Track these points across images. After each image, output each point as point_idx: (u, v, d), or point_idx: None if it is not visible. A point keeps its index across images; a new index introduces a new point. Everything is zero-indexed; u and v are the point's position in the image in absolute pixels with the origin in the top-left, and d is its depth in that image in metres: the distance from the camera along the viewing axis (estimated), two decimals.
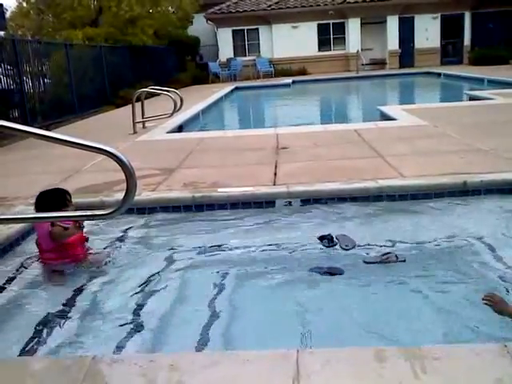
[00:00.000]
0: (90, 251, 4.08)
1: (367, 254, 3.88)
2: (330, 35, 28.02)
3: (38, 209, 3.84)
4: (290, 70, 26.82)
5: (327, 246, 4.09)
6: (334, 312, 3.13)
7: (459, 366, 2.10)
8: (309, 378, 2.07)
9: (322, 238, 4.17)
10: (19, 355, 2.77)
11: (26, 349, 2.84)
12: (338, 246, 4.07)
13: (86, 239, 4.11)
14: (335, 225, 4.55)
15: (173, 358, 2.34)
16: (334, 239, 4.15)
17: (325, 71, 26.38)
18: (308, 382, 2.05)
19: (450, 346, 2.32)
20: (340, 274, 3.63)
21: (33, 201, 5.25)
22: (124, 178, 2.85)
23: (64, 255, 3.86)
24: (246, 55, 28.21)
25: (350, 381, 2.06)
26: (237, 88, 22.11)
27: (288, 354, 2.23)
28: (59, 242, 3.83)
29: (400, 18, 27.25)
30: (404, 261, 3.63)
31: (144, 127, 10.79)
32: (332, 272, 3.65)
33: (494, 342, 2.32)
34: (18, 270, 3.93)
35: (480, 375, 2.04)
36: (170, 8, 26.09)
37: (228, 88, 21.11)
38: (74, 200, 5.23)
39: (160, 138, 9.62)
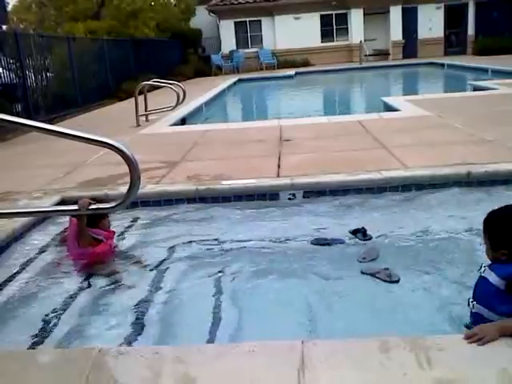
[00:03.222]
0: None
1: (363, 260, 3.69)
2: (332, 26, 27.88)
3: None
4: (293, 62, 26.73)
5: (361, 240, 4.00)
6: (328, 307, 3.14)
7: (464, 356, 2.10)
8: (314, 368, 2.08)
9: (355, 232, 4.09)
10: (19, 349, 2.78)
11: (30, 343, 2.85)
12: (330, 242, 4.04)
13: (115, 246, 4.11)
14: (339, 217, 4.55)
15: (178, 350, 2.36)
16: (367, 233, 4.05)
17: (328, 62, 26.27)
18: (313, 373, 2.05)
19: (455, 337, 2.31)
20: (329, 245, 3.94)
21: (36, 195, 5.32)
22: (128, 171, 2.86)
23: (87, 260, 3.87)
24: (248, 47, 28.12)
25: (355, 371, 2.07)
26: (239, 80, 22.06)
27: (293, 345, 2.24)
28: (86, 248, 3.84)
29: (403, 8, 27.08)
30: (397, 281, 3.32)
31: (147, 120, 10.78)
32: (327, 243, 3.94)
33: None
34: (23, 264, 3.94)
35: (485, 365, 2.04)
36: (171, 0, 26.03)
37: (231, 80, 21.07)
38: (78, 193, 5.27)
39: (163, 130, 9.62)
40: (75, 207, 3.25)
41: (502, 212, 2.41)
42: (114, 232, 4.15)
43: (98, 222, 3.97)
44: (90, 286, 3.55)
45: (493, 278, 2.31)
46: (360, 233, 4.07)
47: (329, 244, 3.97)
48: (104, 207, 3.34)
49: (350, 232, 4.13)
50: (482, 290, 2.39)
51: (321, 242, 4.00)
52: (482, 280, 2.39)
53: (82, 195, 5.18)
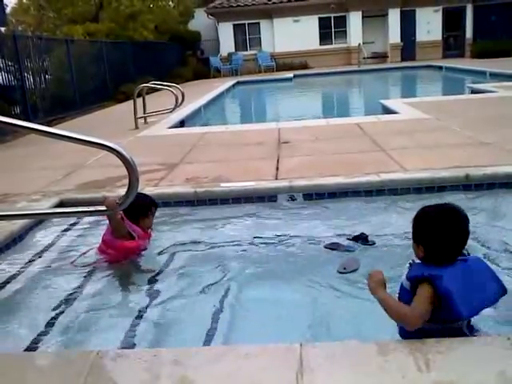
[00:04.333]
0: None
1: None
2: (331, 29, 27.96)
3: None
4: (292, 64, 26.78)
5: (364, 245, 3.89)
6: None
7: (462, 359, 2.10)
8: (312, 371, 2.07)
9: (355, 239, 3.97)
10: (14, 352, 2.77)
11: (26, 348, 2.84)
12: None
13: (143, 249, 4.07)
14: (337, 220, 4.54)
15: (176, 352, 2.35)
16: (369, 238, 3.95)
17: (326, 65, 26.35)
18: (312, 376, 2.05)
19: (453, 340, 2.31)
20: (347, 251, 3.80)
21: (35, 197, 5.31)
22: (126, 173, 2.87)
23: (116, 254, 3.86)
24: (247, 50, 28.17)
25: (354, 374, 2.06)
26: (238, 83, 22.09)
27: (291, 348, 2.24)
28: (118, 239, 3.83)
29: (401, 11, 27.18)
30: None
31: (146, 122, 10.79)
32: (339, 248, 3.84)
33: (497, 335, 2.32)
34: (20, 267, 3.93)
35: (483, 368, 2.04)
36: (170, 3, 26.08)
37: (229, 83, 21.09)
38: (76, 196, 5.27)
39: (162, 133, 9.62)
40: (72, 209, 3.25)
41: (427, 208, 2.49)
42: (150, 235, 4.11)
43: (140, 219, 3.96)
44: (84, 287, 3.54)
45: (403, 279, 2.42)
46: (361, 239, 3.96)
47: (336, 249, 3.88)
48: (102, 209, 3.33)
49: (349, 239, 4.02)
50: (399, 292, 2.48)
51: (332, 247, 3.92)
52: (401, 282, 2.50)
53: (81, 197, 5.20)
